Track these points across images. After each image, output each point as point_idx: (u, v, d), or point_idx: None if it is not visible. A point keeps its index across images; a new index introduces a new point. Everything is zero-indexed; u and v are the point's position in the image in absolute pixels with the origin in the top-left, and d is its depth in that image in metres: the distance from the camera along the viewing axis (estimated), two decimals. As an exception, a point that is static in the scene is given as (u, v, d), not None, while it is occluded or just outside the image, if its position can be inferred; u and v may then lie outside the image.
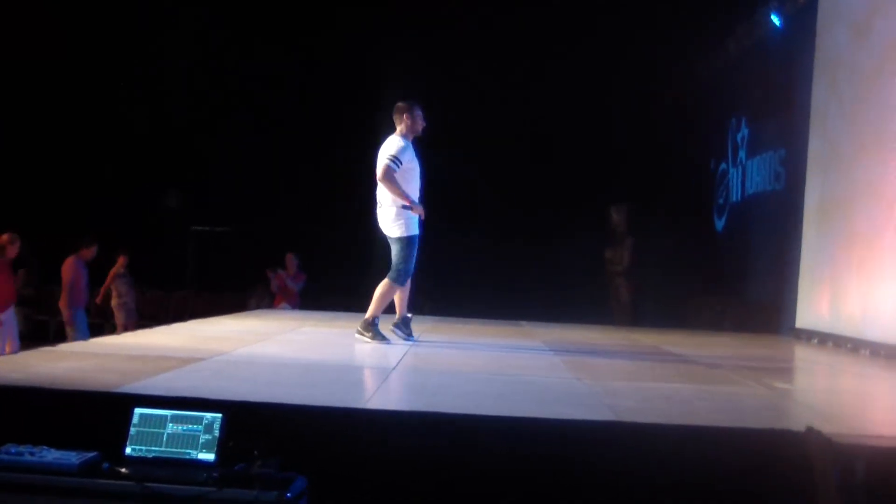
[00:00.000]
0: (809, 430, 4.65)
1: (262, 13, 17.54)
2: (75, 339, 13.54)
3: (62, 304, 14.14)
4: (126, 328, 14.88)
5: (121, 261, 15.60)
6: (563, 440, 4.73)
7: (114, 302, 15.56)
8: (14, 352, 11.40)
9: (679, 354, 9.32)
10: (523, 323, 12.51)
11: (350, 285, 15.96)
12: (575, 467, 4.61)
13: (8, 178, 17.66)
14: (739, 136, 15.55)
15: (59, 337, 14.12)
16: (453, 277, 15.93)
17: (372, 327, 8.85)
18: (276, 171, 18.31)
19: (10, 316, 12.23)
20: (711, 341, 11.28)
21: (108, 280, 15.50)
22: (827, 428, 4.66)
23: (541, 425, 4.85)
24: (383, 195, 8.91)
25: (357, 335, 8.84)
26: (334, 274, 16.51)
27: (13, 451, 4.21)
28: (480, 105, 17.08)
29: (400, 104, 9.04)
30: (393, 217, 8.86)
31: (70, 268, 14.22)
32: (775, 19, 13.55)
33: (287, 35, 17.96)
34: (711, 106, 16.83)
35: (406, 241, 8.89)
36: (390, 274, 8.94)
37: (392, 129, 8.97)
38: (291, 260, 15.74)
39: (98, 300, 15.43)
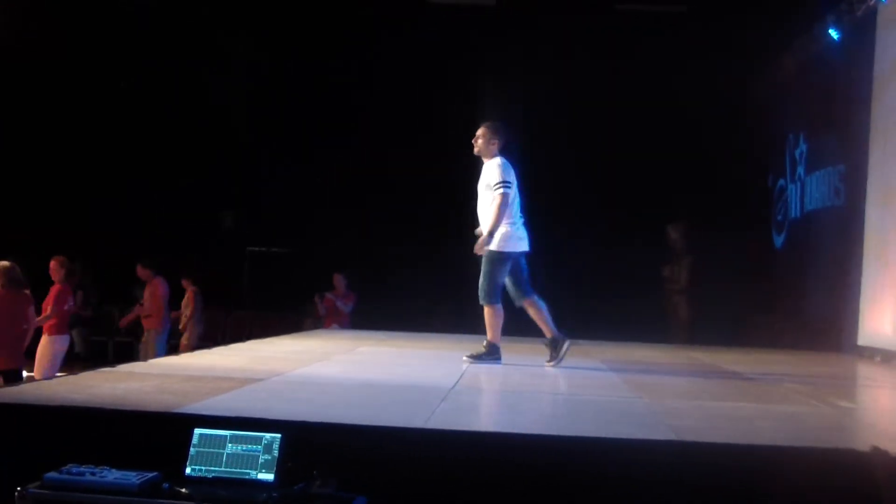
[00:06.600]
0: (875, 449, 4.57)
1: (315, 29, 17.54)
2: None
3: (152, 324, 14.23)
4: (193, 347, 14.97)
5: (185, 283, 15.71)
6: (623, 460, 4.67)
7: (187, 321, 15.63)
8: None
9: (739, 372, 9.23)
10: (581, 341, 12.44)
11: (408, 304, 15.95)
12: (636, 487, 4.55)
13: (66, 200, 17.88)
14: (798, 151, 15.41)
15: (119, 357, 14.20)
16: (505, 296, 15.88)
17: (485, 349, 8.95)
18: (329, 191, 18.34)
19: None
20: (771, 359, 11.16)
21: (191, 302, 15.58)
22: (893, 447, 4.58)
23: (601, 445, 4.81)
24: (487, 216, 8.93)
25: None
26: (389, 293, 16.44)
27: (74, 471, 4.23)
28: (531, 123, 17.03)
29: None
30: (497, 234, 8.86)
31: (163, 287, 14.35)
32: (833, 33, 13.41)
33: (341, 54, 17.95)
34: (769, 122, 16.70)
35: (494, 256, 8.88)
36: (480, 297, 8.96)
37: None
38: (340, 280, 15.52)
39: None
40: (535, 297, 9.06)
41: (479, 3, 16.71)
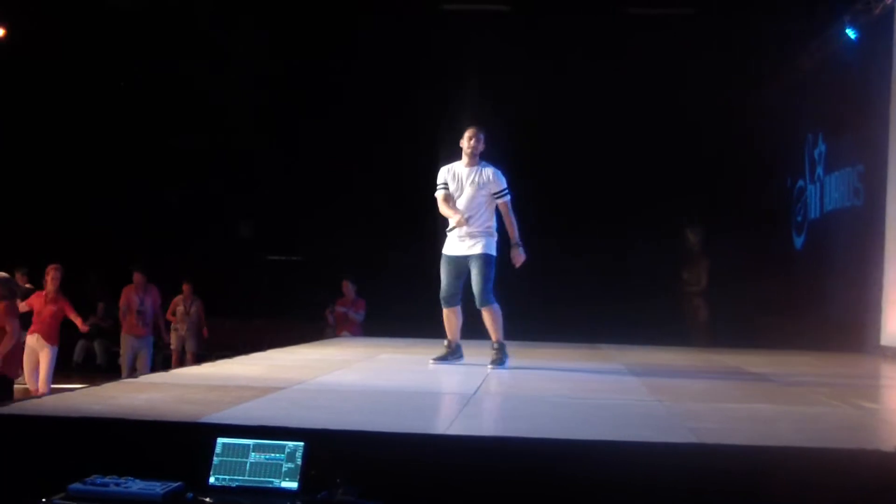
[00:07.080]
0: (899, 450, 4.56)
1: (330, 38, 17.51)
2: (148, 367, 13.73)
3: (148, 331, 14.30)
4: (197, 357, 15.00)
5: (186, 289, 15.80)
6: (644, 463, 4.66)
7: (186, 331, 15.70)
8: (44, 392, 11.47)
9: (760, 374, 9.20)
10: (601, 346, 12.43)
11: (426, 311, 15.88)
12: (657, 491, 4.54)
13: (81, 211, 17.96)
14: (817, 152, 15.35)
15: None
16: (523, 299, 15.76)
17: (496, 350, 8.98)
18: (345, 198, 18.31)
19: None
20: (792, 360, 11.10)
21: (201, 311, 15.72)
22: (917, 448, 4.57)
23: (622, 448, 4.81)
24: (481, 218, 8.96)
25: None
26: (407, 299, 16.34)
27: (99, 481, 4.25)
28: (551, 123, 17.00)
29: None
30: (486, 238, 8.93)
31: (159, 295, 14.49)
32: (850, 33, 13.36)
33: (350, 62, 17.86)
34: (787, 122, 16.63)
35: (491, 260, 8.90)
36: (479, 301, 8.95)
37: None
38: (349, 287, 15.40)
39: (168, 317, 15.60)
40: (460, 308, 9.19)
41: (494, 8, 16.69)
